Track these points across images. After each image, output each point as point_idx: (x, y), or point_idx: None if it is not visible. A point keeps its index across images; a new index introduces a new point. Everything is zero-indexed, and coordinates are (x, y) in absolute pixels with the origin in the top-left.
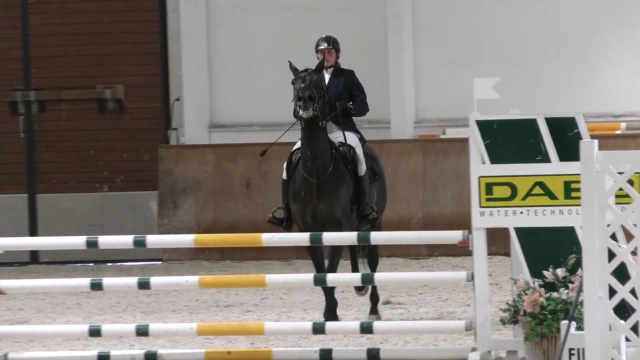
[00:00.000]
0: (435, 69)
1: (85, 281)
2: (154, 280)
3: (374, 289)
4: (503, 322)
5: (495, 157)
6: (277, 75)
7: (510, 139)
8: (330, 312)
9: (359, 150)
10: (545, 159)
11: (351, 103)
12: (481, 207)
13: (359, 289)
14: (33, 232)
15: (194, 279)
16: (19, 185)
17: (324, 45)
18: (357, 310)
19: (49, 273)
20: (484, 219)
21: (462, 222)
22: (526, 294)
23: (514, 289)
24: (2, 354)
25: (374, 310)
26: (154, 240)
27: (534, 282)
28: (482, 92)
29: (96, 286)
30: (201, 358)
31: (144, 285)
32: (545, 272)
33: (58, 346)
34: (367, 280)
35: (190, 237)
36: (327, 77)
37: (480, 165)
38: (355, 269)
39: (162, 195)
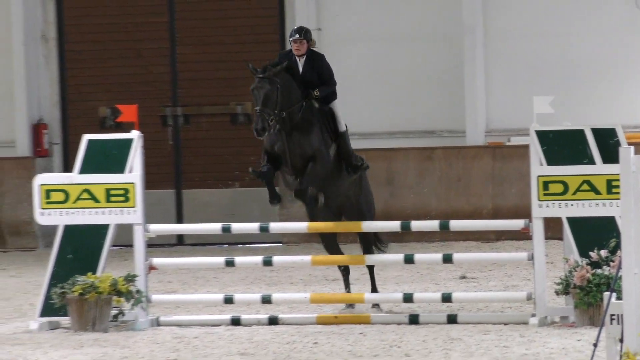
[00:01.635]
0: (503, 88)
1: (220, 259)
2: (276, 258)
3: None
4: (557, 293)
5: (551, 160)
6: (372, 94)
7: (563, 146)
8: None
9: (338, 113)
10: (591, 161)
11: (317, 92)
12: (539, 200)
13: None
14: (179, 220)
15: (307, 258)
16: (167, 182)
17: (295, 36)
18: (440, 285)
19: (192, 253)
20: (541, 210)
21: (524, 213)
22: (576, 271)
23: (566, 267)
24: (154, 317)
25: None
26: (275, 226)
27: (582, 261)
28: (540, 108)
29: (230, 263)
30: (313, 321)
31: (267, 262)
32: (591, 253)
33: (199, 311)
34: (447, 260)
35: (305, 224)
36: (300, 65)
37: (538, 166)
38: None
39: (283, 191)
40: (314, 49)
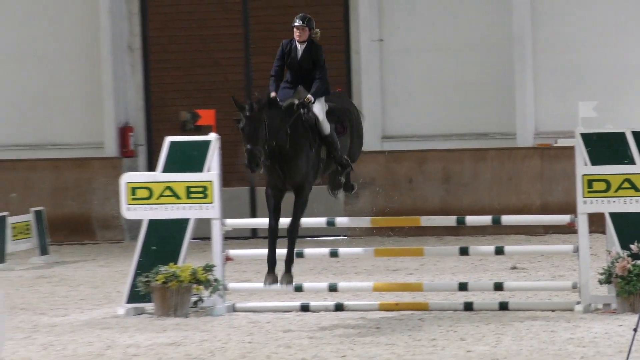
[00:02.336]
0: (550, 94)
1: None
2: (341, 250)
3: (348, 177)
4: (600, 282)
5: (595, 160)
6: (430, 100)
7: (606, 147)
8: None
9: (321, 115)
10: (632, 161)
11: (309, 98)
12: (584, 197)
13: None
14: (253, 214)
15: (370, 250)
16: (242, 180)
17: (298, 23)
18: (492, 274)
19: (265, 245)
20: (586, 206)
21: (570, 209)
22: (617, 262)
23: (608, 258)
24: (230, 304)
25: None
26: (340, 221)
27: (623, 253)
28: (585, 112)
29: (299, 255)
30: (376, 308)
31: (333, 254)
32: (631, 246)
33: (271, 298)
34: (499, 251)
35: (368, 219)
36: (300, 51)
37: (583, 166)
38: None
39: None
40: (315, 39)
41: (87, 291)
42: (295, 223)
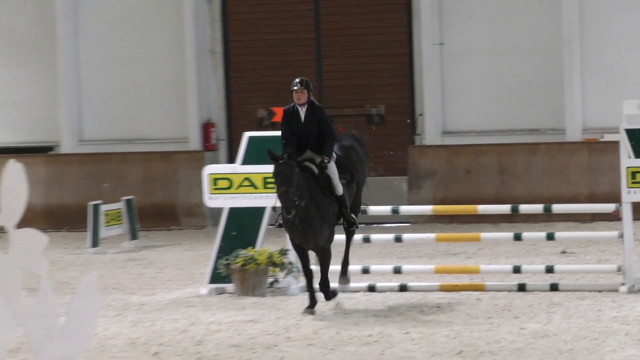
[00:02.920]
0: (597, 93)
1: (358, 236)
2: (405, 236)
3: (345, 270)
4: None
5: (638, 153)
6: (486, 98)
7: None
8: (310, 306)
9: (335, 176)
10: None
11: (326, 159)
12: (628, 187)
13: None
14: None
15: (432, 235)
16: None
17: (297, 87)
18: (544, 258)
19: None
20: (630, 195)
21: (615, 198)
22: None
23: None
24: (303, 284)
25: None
26: (404, 209)
27: None
28: (629, 109)
29: (366, 240)
30: (436, 288)
31: (398, 239)
32: None
33: (404, 282)
34: (550, 237)
35: (429, 207)
36: (303, 113)
37: (627, 159)
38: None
39: (410, 179)
40: (312, 99)
41: (172, 273)
42: (324, 276)
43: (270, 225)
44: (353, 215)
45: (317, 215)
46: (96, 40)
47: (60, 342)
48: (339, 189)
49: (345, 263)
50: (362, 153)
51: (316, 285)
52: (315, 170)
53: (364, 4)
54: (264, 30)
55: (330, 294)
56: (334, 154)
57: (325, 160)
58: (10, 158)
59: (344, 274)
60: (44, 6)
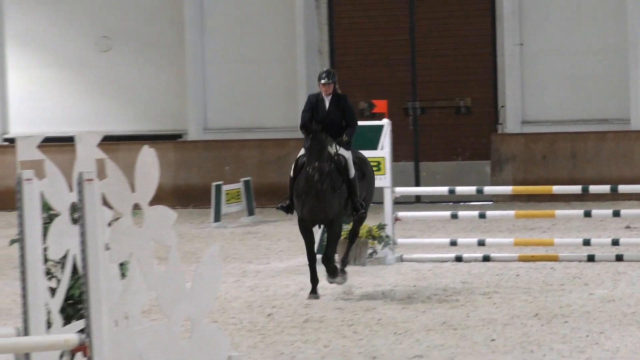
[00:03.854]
0: None
1: (447, 213)
2: (488, 213)
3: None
4: None
5: None
6: (561, 92)
7: None
8: (312, 290)
9: (350, 159)
10: None
11: (346, 137)
12: None
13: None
14: (417, 184)
15: (511, 212)
16: (408, 157)
17: (324, 80)
18: (610, 232)
19: (426, 208)
20: None
21: None
22: None
23: None
24: (399, 255)
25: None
26: (488, 189)
27: None
28: None
29: (454, 216)
30: (515, 259)
31: (482, 216)
32: None
33: (431, 251)
34: (616, 214)
35: (510, 187)
36: (327, 103)
37: None
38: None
39: (493, 163)
40: (337, 90)
41: (285, 244)
42: (330, 253)
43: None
44: (362, 201)
45: (329, 189)
46: (219, 43)
47: (187, 304)
48: (352, 172)
49: (344, 257)
50: (371, 168)
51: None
52: (332, 152)
53: (453, 10)
54: (365, 33)
55: (333, 272)
56: (351, 154)
57: (345, 138)
58: (144, 144)
59: (341, 269)
60: (175, 13)
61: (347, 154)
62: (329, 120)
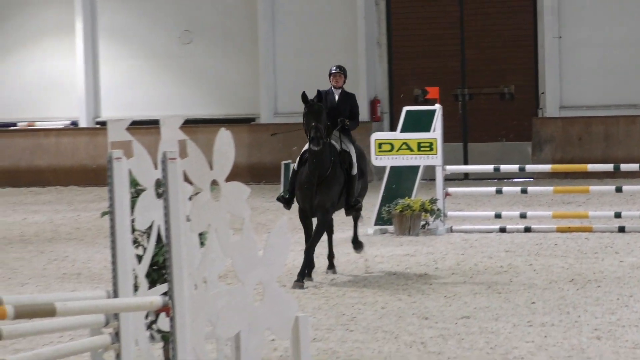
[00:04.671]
0: None
1: (492, 189)
2: (530, 188)
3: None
4: None
5: None
6: (597, 81)
7: None
8: (301, 273)
9: (354, 157)
10: None
11: (347, 121)
12: None
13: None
14: (465, 162)
15: (550, 188)
16: (458, 138)
17: (335, 71)
18: (639, 206)
19: (474, 184)
20: None
21: None
22: None
23: None
24: (449, 227)
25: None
26: (529, 167)
27: None
28: None
29: (499, 192)
30: (554, 230)
31: (524, 191)
32: None
33: (478, 223)
34: None
35: (549, 166)
36: (336, 96)
37: None
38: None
39: (534, 144)
40: (345, 89)
41: (345, 217)
42: (313, 244)
43: (422, 180)
44: (360, 200)
45: (333, 177)
46: (288, 36)
47: (259, 270)
48: (355, 170)
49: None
50: (367, 166)
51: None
52: (338, 147)
53: (498, 6)
54: (419, 27)
55: (309, 264)
56: (354, 147)
57: (347, 122)
58: (221, 127)
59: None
60: (249, 9)
61: (352, 151)
62: (337, 112)
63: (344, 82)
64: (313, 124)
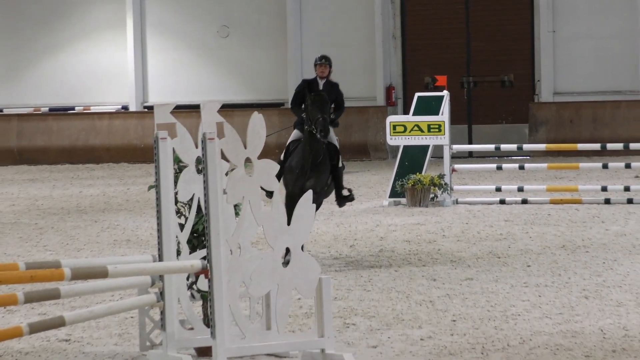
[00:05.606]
0: None
1: (493, 166)
2: (527, 165)
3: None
4: None
5: None
6: (589, 70)
7: None
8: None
9: (338, 149)
10: None
11: (333, 115)
12: None
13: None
14: (470, 142)
15: (544, 165)
16: (463, 120)
17: (321, 61)
18: (623, 181)
19: (477, 162)
20: None
21: None
22: None
23: None
24: (455, 199)
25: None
26: (526, 146)
27: None
28: None
29: (499, 168)
30: (547, 202)
31: (521, 167)
32: None
33: (481, 196)
34: (627, 166)
35: (543, 145)
36: (321, 86)
37: None
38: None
39: (530, 125)
40: (330, 78)
41: (364, 190)
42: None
43: (432, 157)
44: (350, 190)
45: (323, 164)
46: (314, 30)
47: (287, 237)
48: (340, 162)
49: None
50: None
51: None
52: (324, 140)
53: (500, 4)
54: (430, 22)
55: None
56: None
57: (332, 116)
58: (254, 111)
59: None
60: (279, 6)
61: (337, 144)
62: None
63: (329, 72)
64: (319, 116)
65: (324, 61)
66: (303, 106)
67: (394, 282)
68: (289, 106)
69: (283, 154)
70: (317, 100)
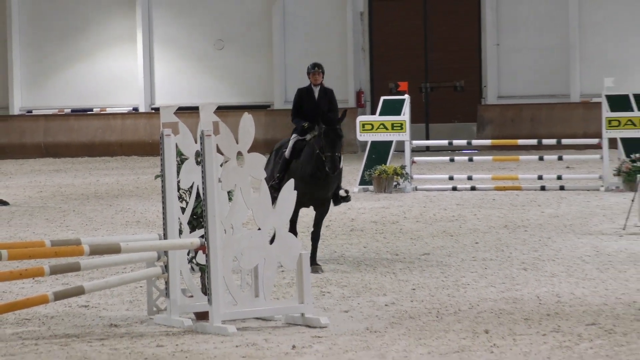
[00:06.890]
0: (591, 74)
1: (446, 158)
2: (475, 158)
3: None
4: (614, 174)
5: (613, 109)
6: (524, 78)
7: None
8: (314, 257)
9: (339, 153)
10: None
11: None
12: (606, 129)
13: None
14: (427, 138)
15: (490, 158)
16: (421, 120)
17: (314, 70)
18: (556, 171)
19: (433, 155)
20: (607, 134)
21: (599, 135)
22: (623, 164)
23: (619, 162)
24: (414, 186)
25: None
26: (475, 142)
27: (627, 159)
28: (608, 83)
29: (451, 160)
30: (492, 189)
31: (470, 159)
32: (631, 155)
33: (437, 183)
34: (560, 158)
35: (489, 141)
36: (316, 93)
37: (606, 112)
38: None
39: (478, 124)
40: (324, 84)
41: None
42: (319, 229)
43: (395, 151)
44: (346, 190)
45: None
46: (296, 42)
47: (273, 218)
48: (342, 164)
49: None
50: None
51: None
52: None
53: (453, 21)
54: (394, 36)
55: (315, 249)
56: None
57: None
58: (245, 111)
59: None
60: (266, 22)
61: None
62: (317, 109)
63: (323, 78)
64: (329, 153)
65: (317, 69)
66: (306, 124)
67: (363, 256)
68: (284, 111)
69: (289, 151)
70: (331, 134)
